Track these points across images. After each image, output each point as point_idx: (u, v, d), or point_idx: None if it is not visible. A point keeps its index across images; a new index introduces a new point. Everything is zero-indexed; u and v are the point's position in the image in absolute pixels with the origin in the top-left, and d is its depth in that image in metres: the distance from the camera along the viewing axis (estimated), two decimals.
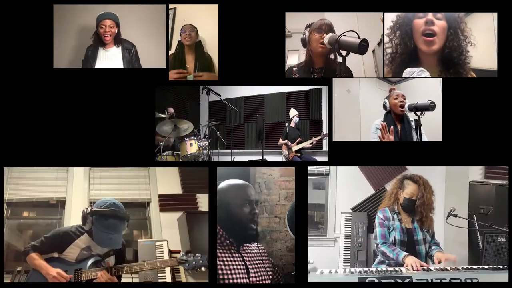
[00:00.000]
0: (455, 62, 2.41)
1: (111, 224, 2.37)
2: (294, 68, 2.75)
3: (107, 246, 2.41)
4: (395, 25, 2.57)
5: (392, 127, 2.53)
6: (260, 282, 2.16)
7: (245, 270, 2.08)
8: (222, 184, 2.19)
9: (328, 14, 2.73)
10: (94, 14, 2.75)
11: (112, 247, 2.42)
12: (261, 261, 2.21)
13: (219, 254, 2.08)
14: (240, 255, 2.11)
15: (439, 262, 2.48)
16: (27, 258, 2.37)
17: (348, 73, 2.66)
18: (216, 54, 2.77)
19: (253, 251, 2.22)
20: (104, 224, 2.36)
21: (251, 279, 2.10)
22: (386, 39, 2.54)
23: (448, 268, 2.41)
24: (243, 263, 2.09)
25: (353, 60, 2.66)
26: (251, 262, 2.14)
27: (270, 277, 2.23)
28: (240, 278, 2.06)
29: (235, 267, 2.06)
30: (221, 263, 2.05)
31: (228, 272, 2.04)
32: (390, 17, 2.50)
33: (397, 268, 2.38)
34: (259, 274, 2.15)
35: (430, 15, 2.34)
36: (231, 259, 2.07)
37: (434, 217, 2.65)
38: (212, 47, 2.82)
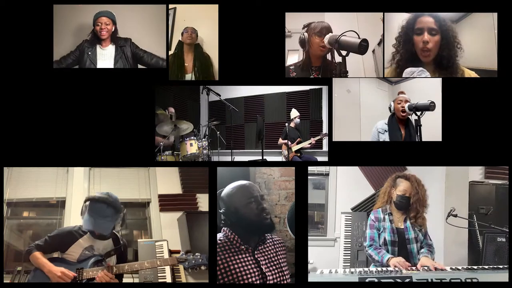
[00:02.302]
0: (446, 66, 2.67)
1: (101, 209, 2.42)
2: (291, 67, 2.75)
3: (95, 230, 2.43)
4: (399, 38, 2.70)
5: None
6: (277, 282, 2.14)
7: (260, 276, 2.06)
8: (225, 190, 2.18)
9: (328, 14, 2.73)
10: (93, 14, 2.75)
11: (100, 231, 2.45)
12: (277, 260, 2.17)
13: (232, 259, 2.03)
14: (255, 260, 2.07)
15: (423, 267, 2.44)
16: (30, 257, 2.38)
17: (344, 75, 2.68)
18: (216, 54, 2.77)
19: (269, 251, 2.16)
20: (94, 209, 2.42)
21: (268, 282, 2.08)
22: (393, 49, 2.71)
23: (448, 268, 2.41)
24: (258, 268, 2.07)
25: (353, 60, 2.67)
26: (268, 266, 2.10)
27: (287, 275, 2.19)
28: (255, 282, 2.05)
29: (250, 273, 2.03)
30: (235, 268, 2.01)
31: (240, 277, 2.01)
32: (393, 31, 2.71)
33: (397, 268, 2.38)
34: (276, 276, 2.12)
35: (426, 36, 2.63)
36: (246, 265, 2.04)
37: (431, 216, 2.63)
38: (211, 47, 2.82)
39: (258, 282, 2.04)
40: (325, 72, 2.73)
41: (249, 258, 2.06)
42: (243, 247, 2.07)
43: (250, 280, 2.02)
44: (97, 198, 2.46)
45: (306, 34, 2.70)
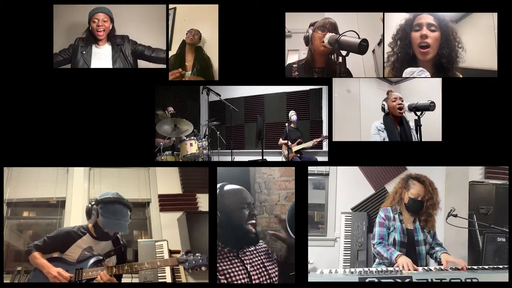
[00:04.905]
0: (444, 67, 2.65)
1: (118, 210, 2.41)
2: (294, 65, 2.74)
3: (116, 230, 2.44)
4: (396, 36, 2.69)
5: None
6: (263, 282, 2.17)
7: (247, 274, 2.09)
8: (218, 191, 2.22)
9: (328, 14, 2.73)
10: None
11: (121, 231, 2.47)
12: (261, 262, 2.21)
13: (219, 262, 2.10)
14: (240, 260, 2.12)
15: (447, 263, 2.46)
16: (30, 257, 2.38)
17: (347, 74, 2.67)
18: (216, 54, 2.77)
19: (253, 253, 2.22)
20: (111, 211, 2.40)
21: (253, 282, 2.11)
22: (389, 48, 2.70)
23: (448, 268, 2.41)
24: (243, 267, 2.10)
25: (353, 60, 2.66)
26: (252, 265, 2.14)
27: (274, 274, 2.22)
28: (242, 281, 2.09)
29: (236, 273, 2.07)
30: (222, 271, 2.06)
31: (227, 275, 2.05)
32: (391, 31, 2.71)
33: (397, 268, 2.38)
34: (261, 275, 2.16)
35: (424, 30, 2.61)
36: (231, 265, 2.09)
37: (436, 217, 2.64)
38: (211, 47, 2.82)
39: (244, 280, 2.08)
40: (328, 74, 2.73)
41: (233, 257, 2.12)
42: (226, 249, 2.13)
43: (236, 277, 2.07)
44: (113, 200, 2.43)
45: (310, 30, 2.69)
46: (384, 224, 2.61)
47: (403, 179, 2.67)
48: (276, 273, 2.24)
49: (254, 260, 2.18)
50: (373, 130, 2.73)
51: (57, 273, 2.30)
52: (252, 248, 2.23)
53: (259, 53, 2.75)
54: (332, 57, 2.67)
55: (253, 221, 2.15)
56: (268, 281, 2.18)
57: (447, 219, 2.67)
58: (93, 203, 2.44)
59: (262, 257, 2.24)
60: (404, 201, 2.62)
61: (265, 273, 2.18)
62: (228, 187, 2.23)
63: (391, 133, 2.72)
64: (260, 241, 2.30)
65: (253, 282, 2.11)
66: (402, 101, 2.71)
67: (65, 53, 2.72)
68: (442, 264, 2.49)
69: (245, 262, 2.12)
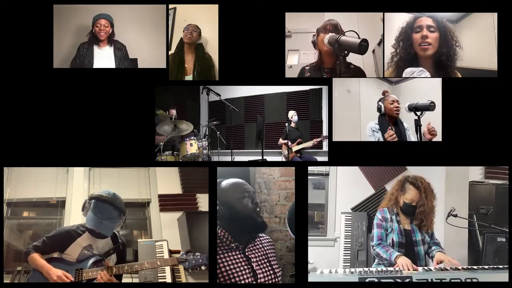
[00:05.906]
0: (444, 64, 2.69)
1: (105, 209, 2.40)
2: (307, 67, 2.75)
3: (96, 229, 2.40)
4: (399, 37, 2.72)
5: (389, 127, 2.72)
6: (268, 281, 2.16)
7: (251, 273, 2.08)
8: (218, 186, 2.21)
9: (328, 14, 2.73)
10: (92, 14, 2.75)
11: (101, 231, 2.42)
12: (267, 258, 2.19)
13: (222, 257, 2.07)
14: (245, 258, 2.10)
15: (439, 263, 2.47)
16: (29, 258, 2.36)
17: (357, 71, 2.70)
18: (216, 54, 2.77)
19: (259, 250, 2.19)
20: (99, 208, 2.39)
21: (258, 281, 2.10)
22: (392, 49, 2.73)
23: (448, 268, 2.42)
24: (249, 266, 2.09)
25: (353, 60, 2.67)
26: (258, 263, 2.13)
27: (278, 272, 2.21)
28: (246, 281, 2.07)
29: (240, 270, 2.06)
30: (226, 266, 2.04)
31: (231, 275, 2.03)
32: (393, 33, 2.74)
33: (397, 268, 2.38)
34: (267, 274, 2.15)
35: (425, 31, 2.67)
36: (236, 262, 2.07)
37: (435, 218, 2.64)
38: (212, 48, 2.82)
39: (249, 280, 2.07)
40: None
41: (239, 256, 2.09)
42: (233, 245, 2.10)
43: (241, 278, 2.04)
44: (104, 199, 2.42)
45: (316, 33, 2.70)
46: (381, 226, 2.62)
47: (400, 181, 2.67)
48: (277, 264, 2.23)
49: (260, 257, 2.15)
50: (368, 132, 2.73)
51: (57, 277, 2.28)
52: (257, 240, 2.20)
53: (259, 53, 2.75)
54: (341, 57, 2.68)
55: (258, 210, 2.15)
56: (274, 280, 2.16)
57: (447, 219, 2.67)
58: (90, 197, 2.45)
59: (267, 251, 2.21)
60: (400, 204, 2.62)
61: (271, 272, 2.17)
62: (225, 182, 2.22)
63: (385, 133, 2.72)
64: (262, 235, 2.28)
65: (259, 280, 2.10)
66: (399, 103, 2.71)
67: (76, 61, 2.76)
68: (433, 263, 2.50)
69: (251, 260, 2.10)
